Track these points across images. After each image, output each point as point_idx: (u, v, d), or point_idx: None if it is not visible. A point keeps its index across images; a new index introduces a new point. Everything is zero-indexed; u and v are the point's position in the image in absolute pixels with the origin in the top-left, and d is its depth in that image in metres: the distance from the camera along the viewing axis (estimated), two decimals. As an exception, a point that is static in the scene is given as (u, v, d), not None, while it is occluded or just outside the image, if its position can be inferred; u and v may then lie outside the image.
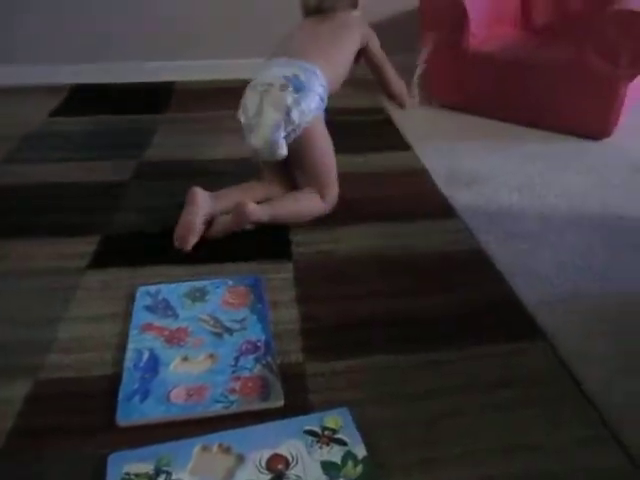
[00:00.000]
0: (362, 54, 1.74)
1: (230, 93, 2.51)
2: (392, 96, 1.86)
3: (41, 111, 2.34)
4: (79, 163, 1.90)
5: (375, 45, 1.75)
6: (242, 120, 1.54)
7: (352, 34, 1.68)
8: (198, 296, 1.25)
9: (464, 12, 2.18)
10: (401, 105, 1.88)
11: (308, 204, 1.54)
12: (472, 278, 1.34)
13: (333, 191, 1.56)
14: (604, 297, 1.30)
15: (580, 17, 2.37)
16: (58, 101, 2.46)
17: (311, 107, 1.48)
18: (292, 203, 1.54)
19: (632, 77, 1.99)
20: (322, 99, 1.53)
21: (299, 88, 1.47)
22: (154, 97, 2.51)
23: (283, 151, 1.48)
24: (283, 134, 1.46)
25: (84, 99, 2.51)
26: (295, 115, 1.44)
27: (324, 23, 1.66)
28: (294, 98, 1.45)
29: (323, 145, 1.56)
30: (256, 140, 1.49)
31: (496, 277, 1.35)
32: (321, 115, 1.56)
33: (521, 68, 2.19)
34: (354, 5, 1.73)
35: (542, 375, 1.08)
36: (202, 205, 1.44)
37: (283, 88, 1.46)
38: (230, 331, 1.15)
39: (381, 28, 2.71)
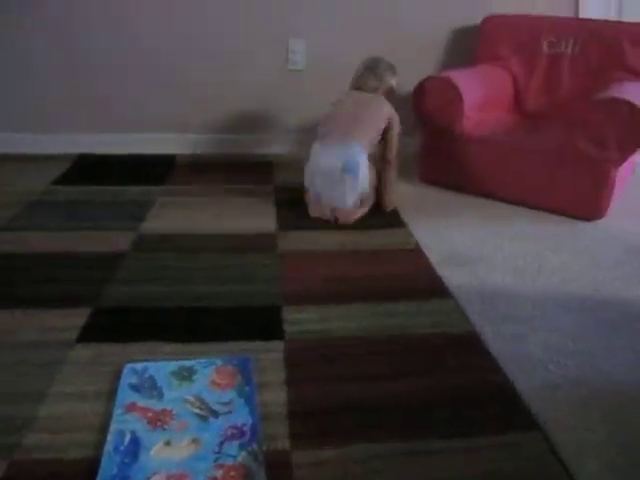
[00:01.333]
0: (383, 134, 2.12)
1: (229, 167, 2.62)
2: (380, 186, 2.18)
3: (44, 180, 2.39)
4: (77, 233, 1.91)
5: (394, 126, 2.14)
6: (313, 193, 2.05)
7: (384, 110, 2.12)
8: (185, 375, 1.23)
9: (459, 96, 2.26)
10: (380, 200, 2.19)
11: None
12: (464, 362, 1.33)
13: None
14: (598, 384, 1.28)
15: (569, 104, 2.47)
16: (61, 170, 2.52)
17: (361, 176, 1.99)
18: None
19: (621, 161, 2.05)
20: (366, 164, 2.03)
21: (353, 169, 1.97)
22: (155, 169, 2.57)
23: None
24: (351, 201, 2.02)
25: (87, 169, 2.56)
26: (358, 187, 2.00)
27: (364, 99, 2.15)
28: (352, 177, 1.97)
29: None
30: (329, 202, 2.03)
31: (489, 362, 1.33)
32: None
33: (514, 151, 2.25)
34: (389, 98, 2.20)
35: (534, 469, 1.04)
36: None
37: (343, 172, 1.96)
38: (216, 414, 1.12)
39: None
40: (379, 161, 2.14)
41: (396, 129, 2.13)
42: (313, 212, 2.09)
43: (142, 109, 2.73)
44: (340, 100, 2.17)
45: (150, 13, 2.58)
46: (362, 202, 2.05)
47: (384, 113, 2.10)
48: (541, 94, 2.60)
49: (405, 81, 2.68)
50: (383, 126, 2.09)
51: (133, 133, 2.77)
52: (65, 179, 2.43)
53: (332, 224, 2.02)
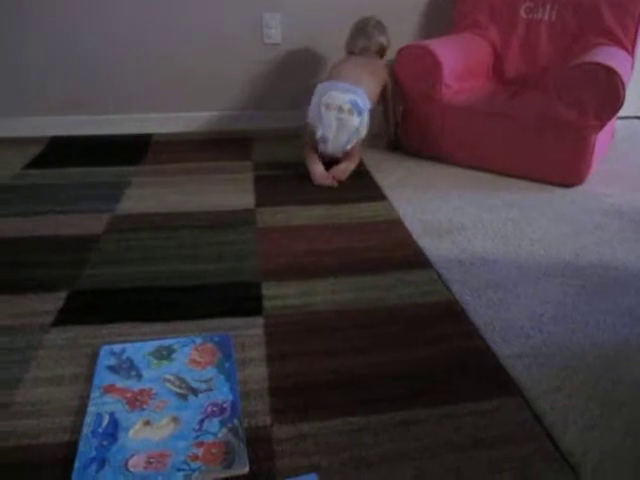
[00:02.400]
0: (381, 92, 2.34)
1: (207, 144, 2.57)
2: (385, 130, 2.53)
3: (16, 163, 2.33)
4: (51, 216, 1.87)
5: (389, 88, 2.38)
6: (319, 133, 2.13)
7: (380, 75, 2.32)
8: (164, 355, 1.21)
9: (438, 65, 2.23)
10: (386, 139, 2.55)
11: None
12: (446, 331, 1.32)
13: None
14: (579, 348, 1.28)
15: (548, 70, 2.44)
16: (34, 153, 2.45)
17: (365, 123, 2.16)
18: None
19: (600, 127, 2.04)
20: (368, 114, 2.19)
21: (360, 111, 2.12)
22: (130, 149, 2.51)
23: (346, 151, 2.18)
24: (350, 145, 2.16)
25: (60, 151, 2.50)
26: (360, 133, 2.16)
27: (364, 63, 2.30)
28: (358, 120, 2.12)
29: None
30: (332, 149, 2.16)
31: (470, 330, 1.33)
32: None
33: (494, 119, 2.23)
34: (382, 54, 2.43)
35: (517, 434, 1.04)
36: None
37: (351, 113, 2.10)
38: (195, 392, 1.11)
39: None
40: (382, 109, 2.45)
41: (390, 89, 2.38)
42: (317, 173, 2.13)
43: (115, 89, 2.67)
44: (339, 62, 2.32)
45: (118, -12, 2.50)
46: (351, 154, 2.19)
47: (380, 78, 2.30)
48: (520, 61, 2.56)
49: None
50: (379, 90, 2.30)
51: (107, 114, 2.71)
52: (38, 162, 2.37)
53: (314, 194, 2.01)
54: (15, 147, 2.52)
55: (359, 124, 2.12)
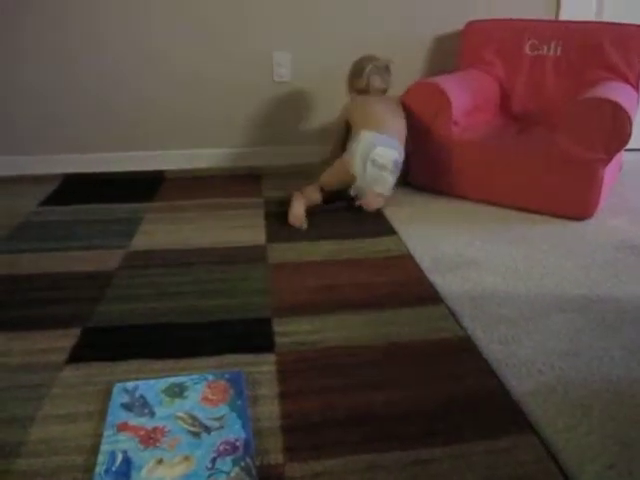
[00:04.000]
0: None
1: (218, 180, 2.62)
2: None
3: (31, 201, 2.38)
4: (65, 253, 1.90)
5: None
6: (358, 183, 2.17)
7: (404, 119, 2.31)
8: (177, 392, 1.21)
9: (447, 101, 2.27)
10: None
11: None
12: (458, 368, 1.31)
13: None
14: (595, 385, 1.27)
15: (554, 105, 2.48)
16: (48, 191, 2.50)
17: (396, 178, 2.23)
18: None
19: (607, 160, 2.06)
20: None
21: (398, 170, 2.21)
22: (143, 186, 2.56)
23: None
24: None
25: (74, 189, 2.55)
26: (391, 188, 2.23)
27: (393, 108, 2.32)
28: (394, 178, 2.21)
29: None
30: (359, 193, 2.21)
31: (482, 366, 1.32)
32: None
33: (502, 154, 2.26)
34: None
35: (532, 473, 1.03)
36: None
37: (392, 172, 2.17)
38: (208, 430, 1.11)
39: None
40: None
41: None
42: (297, 213, 2.13)
43: (128, 127, 2.73)
44: (370, 105, 2.30)
45: (137, 31, 2.58)
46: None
47: (405, 123, 2.30)
48: (526, 96, 2.61)
49: (392, 89, 2.70)
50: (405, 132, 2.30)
51: (120, 152, 2.76)
52: (53, 200, 2.41)
53: (324, 229, 2.04)
54: (30, 184, 2.58)
55: (393, 181, 2.20)
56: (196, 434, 1.10)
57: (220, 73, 2.69)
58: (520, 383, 1.26)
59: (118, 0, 2.53)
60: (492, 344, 1.40)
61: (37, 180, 2.63)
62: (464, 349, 1.38)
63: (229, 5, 2.59)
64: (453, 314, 1.53)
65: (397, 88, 2.44)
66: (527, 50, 2.58)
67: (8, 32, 2.51)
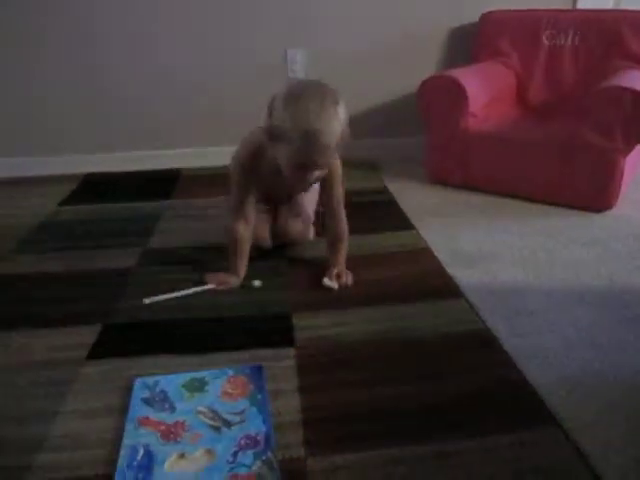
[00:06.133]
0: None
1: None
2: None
3: (51, 201, 2.40)
4: (83, 252, 1.91)
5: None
6: None
7: None
8: (197, 387, 1.21)
9: (464, 94, 2.25)
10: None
11: None
12: (479, 361, 1.30)
13: None
14: (616, 377, 1.25)
15: (574, 95, 2.44)
16: (68, 191, 2.53)
17: None
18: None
19: (628, 150, 2.02)
20: None
21: None
22: (160, 184, 2.57)
23: None
24: None
25: (93, 188, 2.57)
26: None
27: None
28: None
29: None
30: None
31: (504, 359, 1.30)
32: None
33: (520, 145, 2.23)
34: None
35: (557, 467, 1.01)
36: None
37: None
38: (229, 424, 1.11)
39: (381, 111, 2.82)
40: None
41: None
42: None
43: (145, 125, 2.75)
44: None
45: (151, 30, 2.59)
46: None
47: None
48: (544, 87, 2.57)
49: (406, 81, 2.69)
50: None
51: (138, 150, 2.78)
52: (72, 199, 2.44)
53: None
54: (50, 185, 2.60)
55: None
56: (217, 428, 1.10)
57: (235, 70, 2.70)
58: (543, 375, 1.25)
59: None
60: (513, 337, 1.39)
61: (56, 180, 2.65)
62: (485, 342, 1.37)
63: (244, 1, 2.59)
64: (473, 307, 1.52)
65: (412, 82, 2.42)
66: (544, 40, 2.55)
67: (31, 37, 2.54)
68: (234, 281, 1.65)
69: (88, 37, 2.58)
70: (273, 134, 1.38)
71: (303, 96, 1.32)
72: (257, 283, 1.66)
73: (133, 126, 2.74)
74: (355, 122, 2.72)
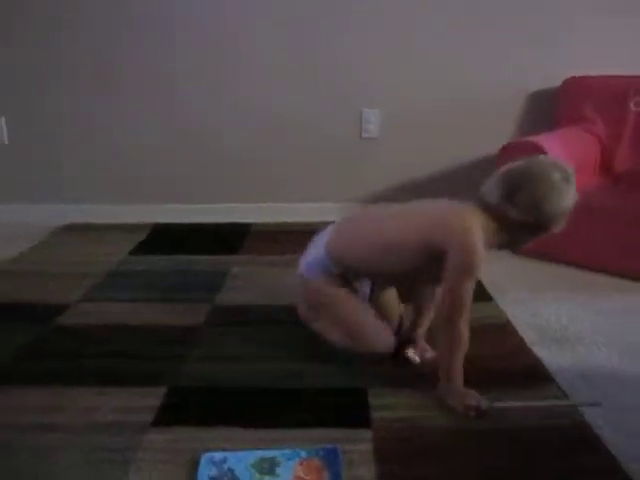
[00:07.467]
0: None
1: (305, 235, 2.56)
2: None
3: (122, 249, 2.42)
4: (152, 304, 1.89)
5: None
6: None
7: None
8: (267, 469, 1.12)
9: (545, 159, 2.15)
10: None
11: None
12: (580, 465, 1.15)
13: None
14: None
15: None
16: (139, 240, 2.55)
17: None
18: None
19: None
20: None
21: None
22: (229, 238, 2.56)
23: None
24: None
25: (163, 238, 2.59)
26: None
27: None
28: None
29: None
30: None
31: (611, 465, 1.14)
32: None
33: (605, 215, 2.10)
34: None
35: None
36: None
37: None
38: (302, 517, 1.01)
39: (459, 176, 2.74)
40: None
41: None
42: None
43: (213, 179, 2.77)
44: None
45: (217, 82, 2.65)
46: None
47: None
48: (631, 155, 2.45)
49: (484, 147, 2.62)
50: None
51: (207, 203, 2.80)
52: (142, 249, 2.45)
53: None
54: (121, 233, 2.64)
55: None
56: (290, 521, 1.00)
57: (306, 128, 2.70)
58: (658, 488, 1.09)
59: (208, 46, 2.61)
60: (619, 436, 1.23)
61: (127, 229, 2.69)
62: (584, 440, 1.22)
63: (322, 59, 2.61)
64: (566, 396, 1.37)
65: (491, 147, 2.34)
66: (632, 106, 2.44)
67: (111, 85, 2.64)
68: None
69: (168, 86, 2.65)
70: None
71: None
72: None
73: (204, 179, 2.78)
74: (429, 184, 2.69)
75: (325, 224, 1.59)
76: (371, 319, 1.49)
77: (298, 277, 1.57)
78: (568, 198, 1.34)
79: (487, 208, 1.34)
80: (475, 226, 1.31)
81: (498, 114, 2.66)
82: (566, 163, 1.38)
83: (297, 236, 2.56)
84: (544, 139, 2.24)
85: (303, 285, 1.57)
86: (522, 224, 1.33)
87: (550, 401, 1.35)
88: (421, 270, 1.41)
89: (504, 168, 1.35)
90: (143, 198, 2.81)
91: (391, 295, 1.64)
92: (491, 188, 1.34)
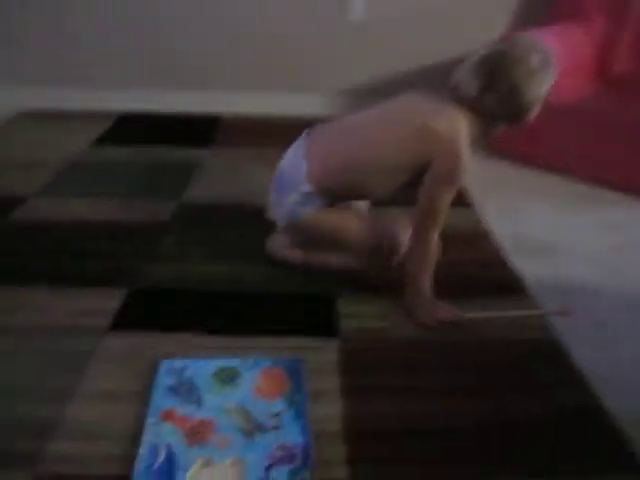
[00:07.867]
0: None
1: (279, 128, 2.42)
2: None
3: (84, 139, 2.26)
4: (114, 199, 1.77)
5: None
6: None
7: None
8: (228, 378, 1.08)
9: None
10: None
11: None
12: (545, 378, 1.13)
13: None
14: None
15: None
16: (103, 129, 2.38)
17: None
18: None
19: None
20: None
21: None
22: (200, 130, 2.40)
23: None
24: None
25: (130, 128, 2.42)
26: None
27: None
28: None
29: None
30: None
31: (575, 378, 1.13)
32: None
33: (597, 123, 1.99)
34: None
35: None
36: None
37: None
38: (262, 429, 0.98)
39: (441, 73, 2.57)
40: None
41: None
42: None
43: (191, 63, 2.56)
44: None
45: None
46: None
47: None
48: (630, 57, 2.29)
49: (474, 41, 2.43)
50: None
51: (179, 90, 2.61)
52: (107, 139, 2.28)
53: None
54: (84, 122, 2.45)
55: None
56: (249, 433, 0.97)
57: (291, 9, 2.47)
58: (623, 402, 1.08)
59: None
60: (585, 350, 1.21)
61: (90, 117, 2.50)
62: (552, 355, 1.20)
63: None
64: (539, 309, 1.34)
65: (485, 39, 2.16)
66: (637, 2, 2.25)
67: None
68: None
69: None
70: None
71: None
72: None
73: (178, 62, 2.56)
74: (419, 75, 2.52)
75: (300, 117, 1.46)
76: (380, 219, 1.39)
77: (278, 227, 1.42)
78: (548, 81, 1.28)
79: (463, 101, 1.24)
80: (462, 134, 1.22)
81: (495, 7, 2.46)
82: (544, 44, 1.30)
83: (272, 128, 2.42)
84: (535, 35, 2.06)
85: (289, 229, 1.39)
86: (498, 114, 1.25)
87: (522, 311, 1.32)
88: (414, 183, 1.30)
89: (477, 56, 1.23)
90: (109, 84, 2.59)
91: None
92: (467, 79, 1.23)
